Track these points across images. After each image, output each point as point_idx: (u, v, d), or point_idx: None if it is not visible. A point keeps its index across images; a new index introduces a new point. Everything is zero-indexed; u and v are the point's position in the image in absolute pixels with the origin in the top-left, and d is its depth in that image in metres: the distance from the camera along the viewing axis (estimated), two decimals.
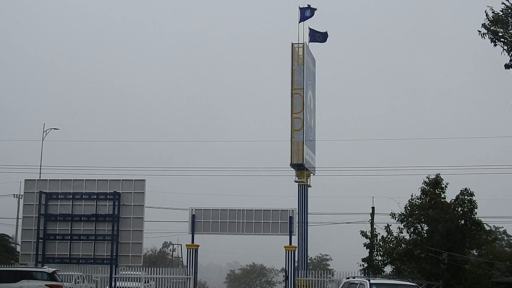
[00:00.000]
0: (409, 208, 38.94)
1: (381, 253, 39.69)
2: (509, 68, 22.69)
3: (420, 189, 39.18)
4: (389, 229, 39.19)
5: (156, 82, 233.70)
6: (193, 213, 36.70)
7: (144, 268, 37.54)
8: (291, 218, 35.90)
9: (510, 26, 22.52)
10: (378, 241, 40.01)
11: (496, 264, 36.22)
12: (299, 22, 45.79)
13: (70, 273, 35.00)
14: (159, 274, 36.28)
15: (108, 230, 33.48)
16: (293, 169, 43.70)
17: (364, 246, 40.07)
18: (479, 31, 22.65)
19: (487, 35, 22.52)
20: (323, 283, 36.98)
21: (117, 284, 34.51)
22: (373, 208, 43.86)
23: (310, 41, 46.31)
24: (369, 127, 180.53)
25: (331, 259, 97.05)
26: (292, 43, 44.67)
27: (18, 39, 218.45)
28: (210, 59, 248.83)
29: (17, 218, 57.01)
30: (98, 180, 34.66)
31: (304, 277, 36.81)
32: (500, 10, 22.59)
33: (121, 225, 33.52)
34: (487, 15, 22.60)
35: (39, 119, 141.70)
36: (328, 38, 47.00)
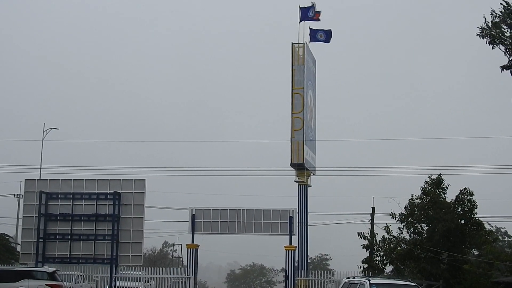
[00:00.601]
0: (409, 208, 38.96)
1: (381, 253, 39.70)
2: (506, 70, 22.80)
3: (421, 189, 39.22)
4: (389, 229, 39.19)
5: (156, 82, 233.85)
6: (193, 213, 36.70)
7: (144, 268, 37.54)
8: (291, 218, 35.91)
9: (509, 29, 22.60)
10: (378, 241, 40.01)
11: (496, 264, 36.23)
12: (300, 21, 45.83)
13: (70, 272, 35.00)
14: (159, 274, 36.29)
15: (108, 230, 33.51)
16: (293, 169, 43.73)
17: (362, 247, 40.07)
18: (478, 34, 22.77)
19: (485, 38, 22.63)
20: (323, 283, 36.99)
21: (117, 283, 34.53)
22: (373, 208, 43.90)
23: (310, 41, 46.32)
24: (369, 127, 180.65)
25: (331, 259, 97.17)
26: (293, 43, 44.68)
27: (18, 38, 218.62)
28: (210, 58, 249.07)
29: (17, 218, 57.09)
30: (98, 180, 34.69)
31: (304, 277, 36.81)
32: (500, 11, 22.67)
33: (121, 225, 33.54)
34: (485, 19, 22.71)
35: (39, 119, 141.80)
36: (330, 38, 46.98)
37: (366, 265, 39.71)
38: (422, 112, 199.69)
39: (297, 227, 37.87)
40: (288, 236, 35.91)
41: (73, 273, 35.19)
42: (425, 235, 38.86)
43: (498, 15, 22.62)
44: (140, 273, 36.60)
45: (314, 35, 46.58)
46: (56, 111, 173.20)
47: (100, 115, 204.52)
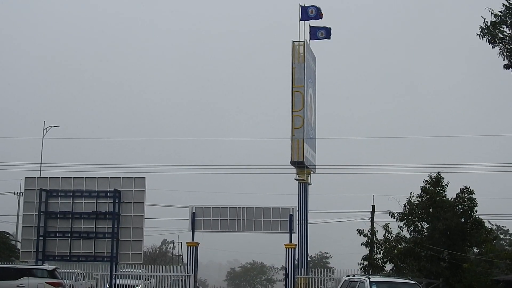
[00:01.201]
0: (408, 207, 38.99)
1: (381, 251, 39.74)
2: (508, 69, 22.75)
3: (420, 187, 39.24)
4: (388, 228, 39.22)
5: (156, 80, 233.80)
6: (193, 211, 36.67)
7: (144, 266, 37.54)
8: (291, 216, 35.88)
9: (509, 28, 22.56)
10: (378, 240, 40.05)
11: (496, 263, 36.28)
12: (300, 20, 45.78)
13: (70, 270, 34.94)
14: (159, 271, 36.29)
15: (109, 227, 33.51)
16: (294, 167, 43.72)
17: (362, 244, 40.11)
18: (477, 34, 22.74)
19: (485, 37, 22.59)
20: (323, 281, 36.99)
21: (117, 281, 34.52)
22: (373, 206, 43.93)
23: (311, 39, 46.27)
24: (370, 125, 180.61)
25: (331, 257, 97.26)
26: (293, 41, 44.64)
27: (19, 37, 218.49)
28: (210, 56, 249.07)
29: (18, 216, 57.13)
30: (98, 177, 34.66)
31: (304, 275, 36.80)
32: (499, 11, 22.62)
33: (122, 222, 33.54)
34: (484, 19, 22.67)
35: (39, 116, 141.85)
36: (330, 35, 46.96)
37: (366, 263, 39.76)
38: (422, 110, 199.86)
39: (297, 225, 37.84)
40: (288, 234, 35.88)
41: (73, 271, 35.13)
42: (425, 233, 38.90)
43: (498, 15, 22.59)
44: (140, 271, 36.57)
45: (315, 33, 46.53)
46: (56, 109, 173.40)
47: (101, 113, 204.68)
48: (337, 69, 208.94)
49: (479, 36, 22.67)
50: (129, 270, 36.00)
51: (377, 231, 40.82)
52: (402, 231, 39.11)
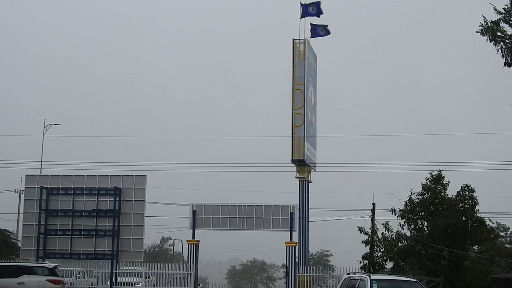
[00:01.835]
0: (409, 204, 38.96)
1: (381, 249, 39.71)
2: (509, 66, 22.71)
3: (421, 185, 39.21)
4: (388, 226, 39.19)
5: (156, 78, 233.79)
6: (194, 209, 36.68)
7: (145, 264, 37.59)
8: (291, 213, 35.89)
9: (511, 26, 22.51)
10: (378, 238, 40.01)
11: (497, 261, 36.24)
12: (301, 17, 45.76)
13: (71, 268, 35.02)
14: (160, 269, 36.31)
15: (109, 225, 33.55)
16: (294, 165, 43.75)
17: (362, 242, 40.08)
18: (478, 31, 22.70)
19: (486, 35, 22.56)
20: (323, 279, 37.00)
21: (118, 279, 34.56)
22: (374, 204, 43.90)
23: (311, 37, 46.28)
24: (370, 123, 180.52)
25: (332, 255, 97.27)
26: (293, 39, 44.64)
27: (19, 35, 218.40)
28: (210, 54, 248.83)
29: (18, 213, 57.12)
30: (99, 175, 34.70)
31: (304, 273, 36.81)
32: (503, 8, 22.57)
33: (122, 220, 33.58)
34: (485, 18, 22.63)
35: (40, 114, 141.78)
36: (330, 32, 46.94)
37: (366, 261, 39.73)
38: (423, 108, 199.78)
39: (297, 223, 37.84)
40: (289, 232, 35.89)
41: (73, 268, 35.21)
42: (426, 231, 38.87)
43: (501, 12, 22.54)
44: (140, 268, 36.61)
45: (315, 30, 46.52)
46: (56, 107, 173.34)
47: (101, 111, 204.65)
48: (338, 67, 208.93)
49: (480, 34, 22.64)
50: (129, 268, 36.05)
51: (377, 229, 40.80)
52: (403, 229, 39.10)
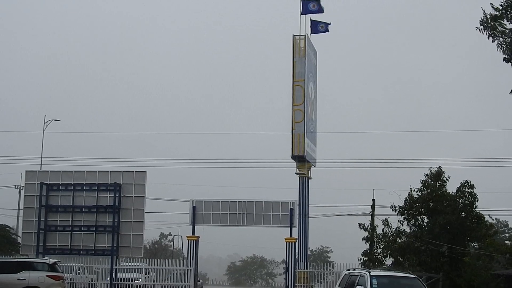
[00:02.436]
0: (408, 201, 39.01)
1: (381, 245, 39.75)
2: (508, 62, 22.70)
3: (421, 182, 39.25)
4: (388, 222, 39.24)
5: (157, 74, 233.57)
6: (194, 205, 36.67)
7: (144, 260, 37.58)
8: (291, 210, 35.89)
9: (509, 22, 22.49)
10: (378, 234, 40.06)
11: (496, 257, 36.29)
12: (301, 14, 45.74)
13: (71, 264, 35.04)
14: (160, 265, 36.34)
15: (109, 221, 33.54)
16: (294, 161, 43.78)
17: (363, 240, 40.12)
18: (477, 28, 22.71)
19: (486, 31, 22.56)
20: (323, 275, 37.03)
21: (118, 275, 34.58)
22: (373, 200, 43.96)
23: (312, 33, 46.27)
24: (370, 119, 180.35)
25: (332, 251, 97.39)
26: (294, 35, 44.64)
27: (20, 33, 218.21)
28: (210, 50, 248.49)
29: (18, 209, 57.18)
30: (99, 171, 34.67)
31: (304, 269, 36.85)
32: (500, 5, 22.56)
33: (122, 216, 33.58)
34: (484, 11, 22.62)
35: (40, 110, 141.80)
36: (329, 29, 46.96)
37: (366, 258, 39.79)
38: (423, 104, 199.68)
39: (297, 219, 37.85)
40: (289, 228, 35.89)
41: (73, 264, 35.22)
42: (426, 227, 38.93)
43: (498, 8, 22.53)
44: (140, 264, 36.64)
45: (316, 27, 46.51)
46: (57, 102, 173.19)
47: (101, 107, 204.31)
48: (338, 63, 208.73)
49: (479, 30, 22.65)
50: (129, 263, 36.09)
51: (377, 225, 40.85)
52: (402, 225, 39.15)
